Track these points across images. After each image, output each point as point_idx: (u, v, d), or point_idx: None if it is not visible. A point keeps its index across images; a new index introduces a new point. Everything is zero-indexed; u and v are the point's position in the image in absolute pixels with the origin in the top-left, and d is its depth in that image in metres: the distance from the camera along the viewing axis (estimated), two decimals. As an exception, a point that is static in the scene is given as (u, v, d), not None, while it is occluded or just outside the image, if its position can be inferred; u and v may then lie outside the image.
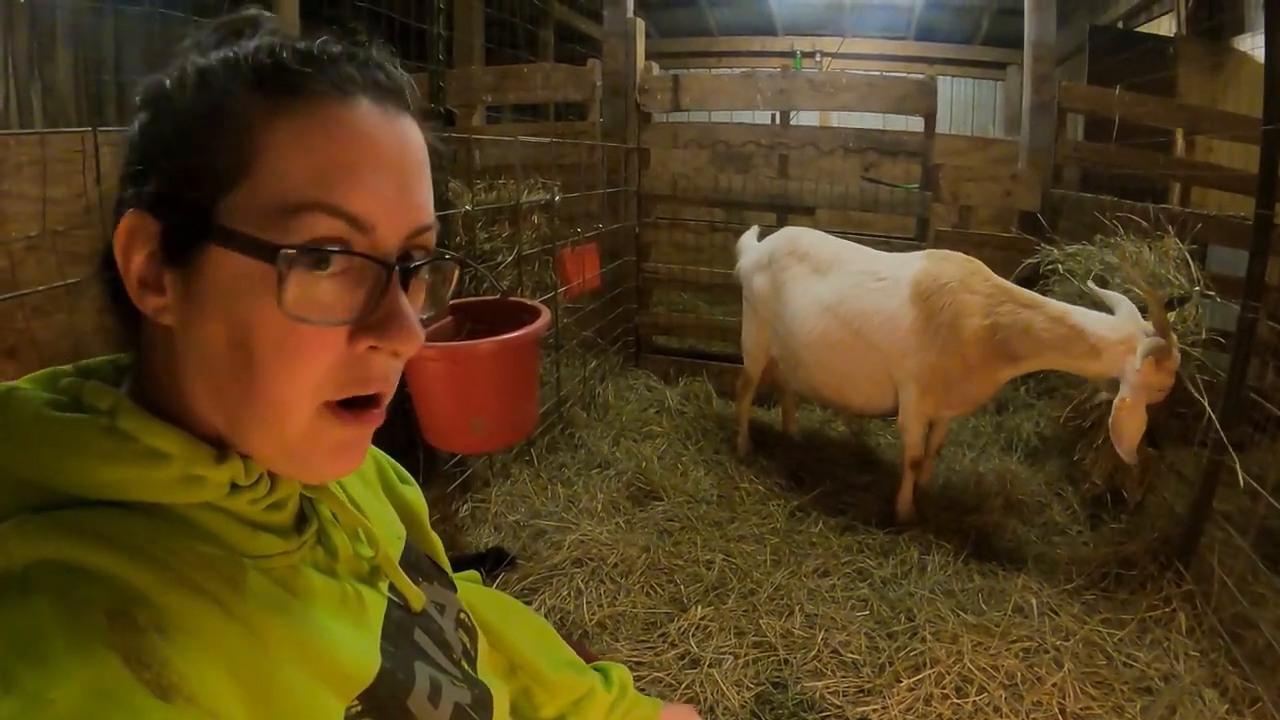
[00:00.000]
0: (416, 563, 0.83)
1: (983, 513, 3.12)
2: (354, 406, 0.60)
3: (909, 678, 2.18)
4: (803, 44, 9.01)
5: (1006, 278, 2.99)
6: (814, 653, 2.31)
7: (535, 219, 3.67)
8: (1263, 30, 2.31)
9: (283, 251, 0.53)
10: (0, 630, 0.45)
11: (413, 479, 0.93)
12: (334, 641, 0.61)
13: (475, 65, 6.33)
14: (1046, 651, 2.29)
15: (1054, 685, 2.13)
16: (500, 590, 2.49)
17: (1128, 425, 2.47)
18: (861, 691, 2.17)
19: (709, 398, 4.39)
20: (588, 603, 2.51)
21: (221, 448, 0.58)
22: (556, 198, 3.62)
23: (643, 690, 1.09)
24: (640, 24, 4.72)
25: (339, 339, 0.57)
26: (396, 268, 0.58)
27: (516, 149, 3.45)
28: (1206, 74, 5.58)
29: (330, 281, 0.55)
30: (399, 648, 0.69)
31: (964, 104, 9.86)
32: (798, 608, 2.51)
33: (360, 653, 0.63)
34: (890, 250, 3.32)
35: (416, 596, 0.75)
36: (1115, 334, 2.56)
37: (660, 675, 2.20)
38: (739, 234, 3.99)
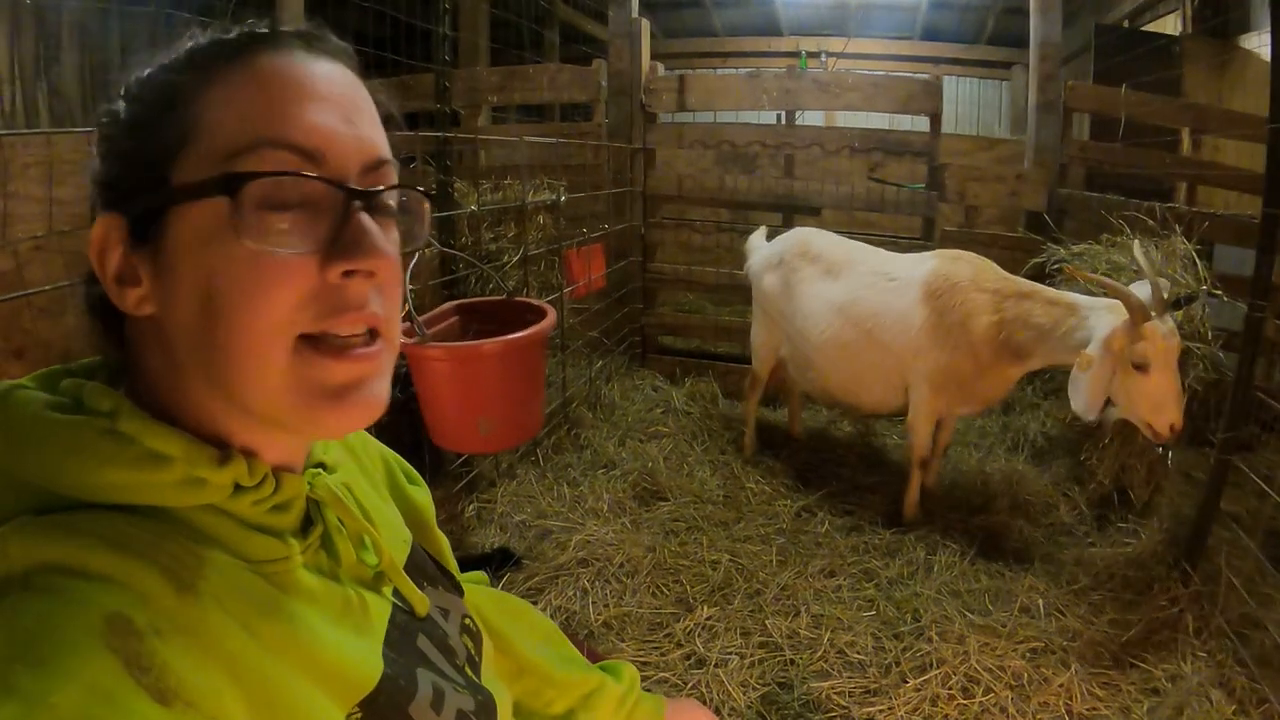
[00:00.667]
0: (422, 567, 0.82)
1: (989, 513, 3.11)
2: (339, 344, 0.59)
3: (915, 678, 2.18)
4: (808, 44, 9.00)
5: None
6: (820, 653, 2.30)
7: (541, 219, 3.67)
8: (1269, 29, 2.30)
9: (232, 178, 0.53)
10: (0, 633, 0.45)
11: (421, 479, 0.93)
12: (335, 647, 0.60)
13: (480, 66, 6.34)
14: (1053, 652, 2.28)
15: (1061, 686, 2.13)
16: (506, 590, 2.50)
17: (1083, 381, 2.46)
18: (867, 692, 2.16)
19: (715, 398, 4.38)
20: (593, 603, 2.51)
21: (224, 449, 0.58)
22: (562, 198, 3.62)
23: (648, 690, 1.10)
24: (645, 25, 4.72)
25: (309, 270, 0.56)
26: (353, 190, 0.58)
27: (522, 149, 3.46)
28: (1212, 73, 5.56)
29: (291, 213, 0.56)
30: (402, 654, 0.68)
31: (969, 104, 9.84)
32: (804, 608, 2.51)
33: (361, 659, 0.63)
34: (897, 250, 3.32)
35: (421, 602, 0.75)
36: (1103, 302, 2.58)
37: (666, 675, 2.20)
38: (745, 234, 3.99)
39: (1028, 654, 2.26)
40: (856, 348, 3.11)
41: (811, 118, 6.82)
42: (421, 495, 0.91)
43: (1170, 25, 6.35)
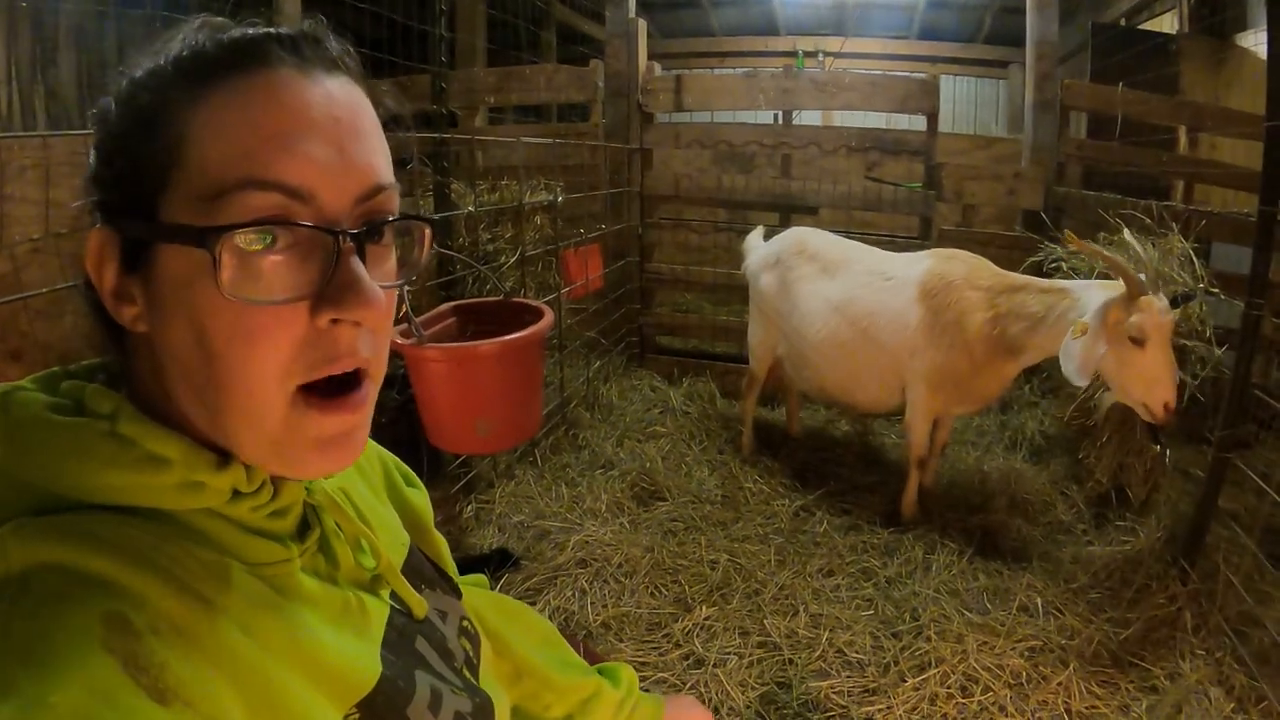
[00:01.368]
0: (419, 569, 0.82)
1: (987, 512, 3.12)
2: (333, 393, 0.58)
3: (914, 677, 2.18)
4: (805, 44, 9.00)
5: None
6: (819, 652, 2.31)
7: (538, 220, 3.67)
8: (1265, 27, 2.30)
9: (209, 233, 0.51)
10: None
11: (418, 481, 0.93)
12: (333, 649, 0.60)
13: (478, 67, 6.34)
14: (1051, 651, 2.28)
15: (1059, 684, 2.13)
16: (505, 591, 2.50)
17: (1075, 348, 2.46)
18: (866, 691, 2.17)
19: (713, 398, 4.38)
20: (592, 603, 2.51)
21: (223, 454, 0.58)
22: (559, 199, 3.62)
23: (646, 691, 1.10)
24: (642, 25, 4.72)
25: (299, 317, 0.54)
26: (344, 234, 0.55)
27: (519, 150, 3.45)
28: (1209, 71, 5.57)
29: (277, 258, 0.53)
30: (400, 656, 0.68)
31: (967, 103, 9.84)
32: (802, 607, 2.51)
33: (359, 660, 0.63)
34: (894, 249, 3.32)
35: (419, 604, 0.75)
36: (1095, 282, 2.60)
37: (665, 675, 2.20)
38: (742, 234, 4.00)
39: (1026, 652, 2.26)
40: (852, 346, 3.12)
41: (809, 117, 6.83)
42: (419, 498, 0.91)
43: (1167, 23, 6.35)
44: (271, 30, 0.57)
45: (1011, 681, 2.15)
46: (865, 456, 3.73)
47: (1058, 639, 2.33)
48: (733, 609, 2.50)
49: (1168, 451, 3.00)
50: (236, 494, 0.58)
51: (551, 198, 3.62)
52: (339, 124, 0.56)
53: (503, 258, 3.39)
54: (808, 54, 8.92)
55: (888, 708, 2.08)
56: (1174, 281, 2.95)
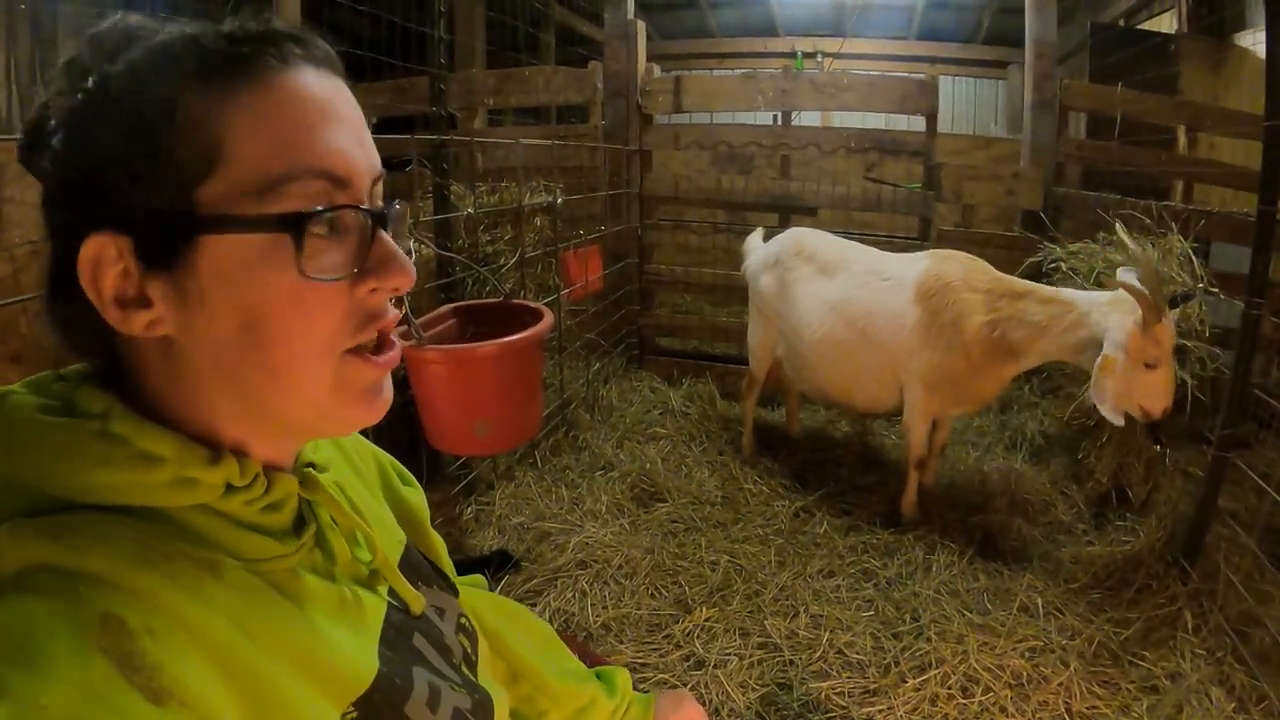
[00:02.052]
0: (416, 566, 0.82)
1: (987, 512, 3.11)
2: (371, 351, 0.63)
3: (914, 678, 2.18)
4: (804, 44, 9.00)
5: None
6: (819, 653, 2.30)
7: (537, 221, 3.68)
8: (1264, 26, 2.30)
9: (297, 218, 0.55)
10: None
11: (415, 480, 0.93)
12: (330, 646, 0.60)
13: (476, 68, 6.35)
14: (1052, 651, 2.28)
15: (1060, 685, 2.13)
16: (505, 593, 2.50)
17: (1109, 384, 2.46)
18: (867, 692, 2.16)
19: (713, 399, 4.38)
20: (592, 605, 2.51)
21: (215, 449, 0.58)
22: (559, 200, 3.62)
23: (645, 693, 1.10)
24: (641, 26, 4.72)
25: (343, 290, 0.59)
26: (380, 214, 0.61)
27: (518, 152, 3.45)
28: (1208, 70, 5.57)
29: (333, 238, 0.58)
30: (397, 652, 0.68)
31: (965, 103, 9.84)
32: (803, 608, 2.50)
33: (357, 657, 0.63)
34: (893, 250, 3.32)
35: (416, 600, 0.75)
36: (1104, 297, 2.59)
37: (665, 677, 2.20)
38: (742, 235, 4.00)
39: (1027, 653, 2.26)
40: (850, 347, 3.12)
41: (808, 118, 6.84)
42: (415, 496, 0.91)
43: (1166, 23, 6.36)
44: (284, 29, 0.60)
45: (1012, 682, 2.15)
46: (865, 457, 3.73)
47: (1058, 639, 2.33)
48: (733, 610, 2.49)
49: (1168, 451, 3.00)
50: (230, 489, 0.58)
51: (551, 199, 3.62)
52: (352, 116, 0.61)
53: (502, 259, 3.39)
54: (806, 55, 8.93)
55: (888, 708, 2.08)
56: (1174, 281, 2.95)
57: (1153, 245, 3.15)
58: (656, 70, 4.89)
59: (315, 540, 0.67)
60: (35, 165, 0.58)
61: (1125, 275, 2.54)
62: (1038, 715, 2.04)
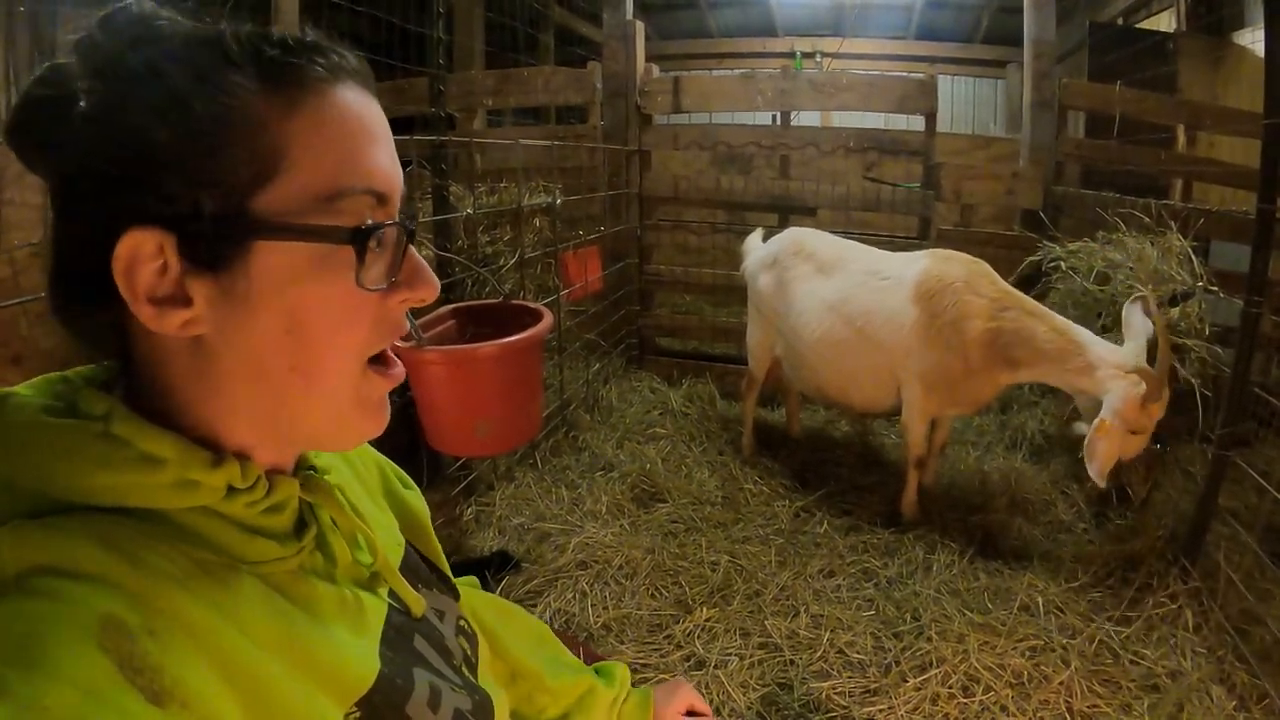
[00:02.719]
0: (416, 569, 0.82)
1: (988, 511, 3.11)
2: (378, 362, 0.65)
3: (915, 677, 2.18)
4: (803, 44, 9.01)
5: (1009, 276, 3.00)
6: (820, 653, 2.30)
7: (537, 222, 3.68)
8: (1263, 25, 2.30)
9: (365, 231, 0.58)
10: None
11: (414, 484, 0.93)
12: (331, 647, 0.60)
13: (475, 69, 6.35)
14: (1053, 650, 2.28)
15: (1061, 684, 2.13)
16: (505, 594, 2.51)
17: (1101, 447, 2.50)
18: (868, 692, 2.16)
19: (712, 399, 4.38)
20: (592, 605, 2.50)
21: (217, 452, 0.58)
22: (558, 201, 3.62)
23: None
24: (640, 26, 4.72)
25: (378, 301, 0.61)
26: (413, 230, 0.64)
27: (517, 152, 3.45)
28: (1207, 69, 5.58)
29: (377, 253, 0.60)
30: (398, 653, 0.69)
31: (965, 102, 9.84)
32: (803, 608, 2.50)
33: (358, 658, 0.63)
34: (893, 250, 3.32)
35: (416, 602, 0.75)
36: (1114, 357, 2.58)
37: (666, 677, 2.20)
38: (741, 235, 4.00)
39: (1028, 652, 2.26)
40: (848, 346, 3.12)
41: (807, 118, 6.84)
42: (416, 500, 0.91)
43: (1165, 22, 6.37)
44: (326, 43, 0.61)
45: (1013, 681, 2.15)
46: (865, 457, 3.73)
47: (1059, 638, 2.33)
48: (733, 610, 2.49)
49: (1168, 450, 3.00)
50: (231, 491, 0.58)
51: (550, 200, 3.62)
52: (389, 135, 0.64)
53: (502, 260, 3.39)
54: (805, 55, 8.94)
55: (889, 708, 2.08)
56: (1173, 280, 2.95)
57: (1152, 243, 3.15)
58: (655, 70, 4.90)
59: (316, 543, 0.67)
60: (46, 150, 0.55)
61: (1137, 351, 2.58)
62: (1039, 714, 2.04)
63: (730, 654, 2.30)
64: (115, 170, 0.53)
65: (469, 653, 0.81)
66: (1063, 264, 3.49)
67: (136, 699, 0.45)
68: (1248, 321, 2.42)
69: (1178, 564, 2.59)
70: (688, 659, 2.29)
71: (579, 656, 1.10)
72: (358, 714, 0.60)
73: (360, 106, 0.60)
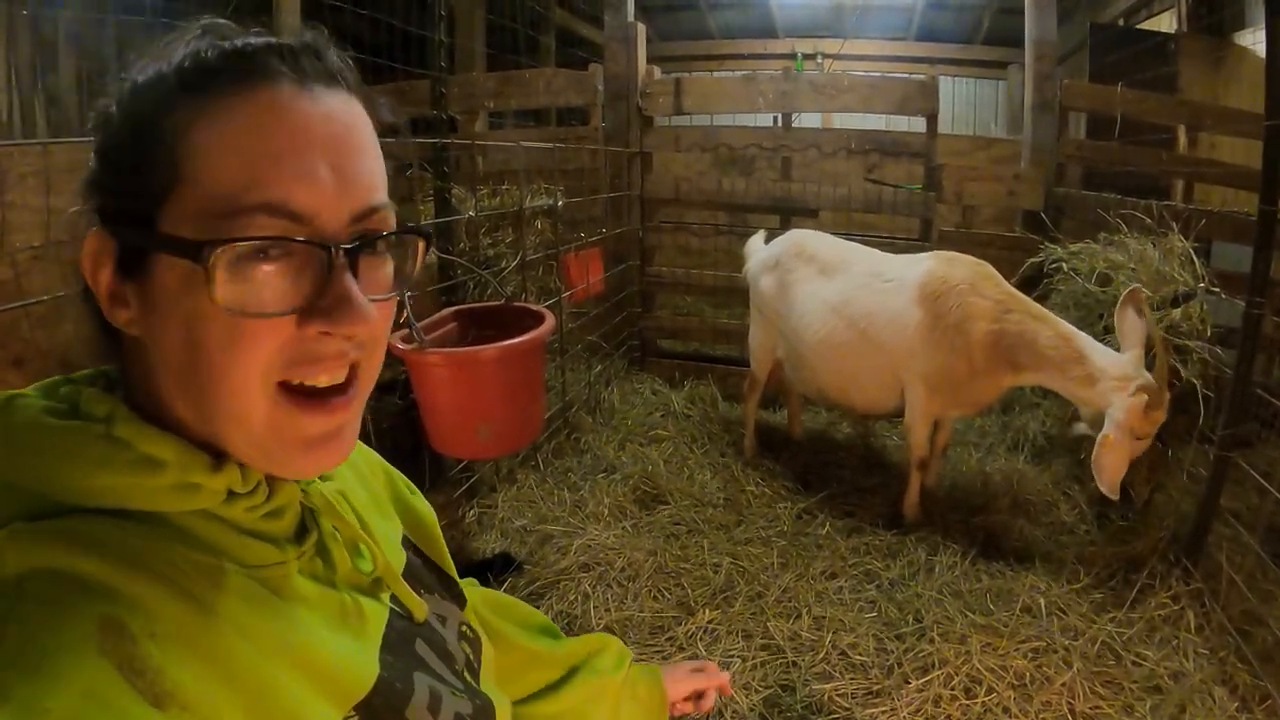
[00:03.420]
0: (418, 574, 0.82)
1: (990, 513, 3.11)
2: (316, 394, 0.59)
3: (917, 679, 2.18)
4: (804, 46, 9.02)
5: (1010, 277, 3.00)
6: (822, 655, 2.30)
7: (538, 224, 3.68)
8: (1263, 25, 2.30)
9: (205, 246, 0.52)
10: None
11: (419, 491, 0.93)
12: (330, 650, 0.60)
13: (477, 71, 6.35)
14: (1055, 651, 2.28)
15: (1063, 685, 2.13)
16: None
17: (1108, 461, 2.49)
18: (870, 693, 2.16)
19: (714, 401, 4.38)
20: (595, 607, 2.51)
21: (218, 455, 0.58)
22: (559, 203, 3.63)
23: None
24: (641, 28, 4.73)
25: (287, 326, 0.56)
26: (338, 249, 0.56)
27: (519, 155, 3.46)
28: (1208, 70, 5.57)
29: (270, 270, 0.54)
30: (399, 658, 0.68)
31: (966, 104, 9.85)
32: (805, 610, 2.50)
33: (356, 662, 0.63)
34: (895, 251, 3.32)
35: (419, 607, 0.75)
36: (1115, 369, 2.58)
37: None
38: (742, 237, 4.00)
39: (1030, 653, 2.26)
40: (850, 348, 3.12)
41: (808, 120, 6.83)
42: (424, 506, 0.91)
43: (1165, 23, 6.36)
44: (273, 41, 0.57)
45: (1015, 682, 2.15)
46: (867, 459, 3.72)
47: (1061, 639, 2.32)
48: (736, 612, 2.49)
49: (1170, 451, 3.00)
50: (232, 495, 0.58)
51: (552, 202, 3.62)
52: (338, 142, 0.57)
53: (503, 262, 3.39)
54: (806, 56, 8.95)
55: (891, 710, 2.08)
56: (1175, 281, 2.95)
57: (1154, 244, 3.15)
58: (657, 72, 4.89)
59: (316, 548, 0.66)
60: None
61: (1136, 361, 2.58)
62: (1041, 716, 2.04)
63: (733, 656, 2.30)
64: (87, 177, 0.58)
65: (471, 657, 0.81)
66: (1064, 265, 3.49)
67: (137, 701, 0.45)
68: (1249, 322, 2.42)
69: (1180, 565, 2.58)
70: (690, 660, 2.29)
71: None
72: (356, 718, 0.60)
73: (289, 110, 0.55)
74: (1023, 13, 4.66)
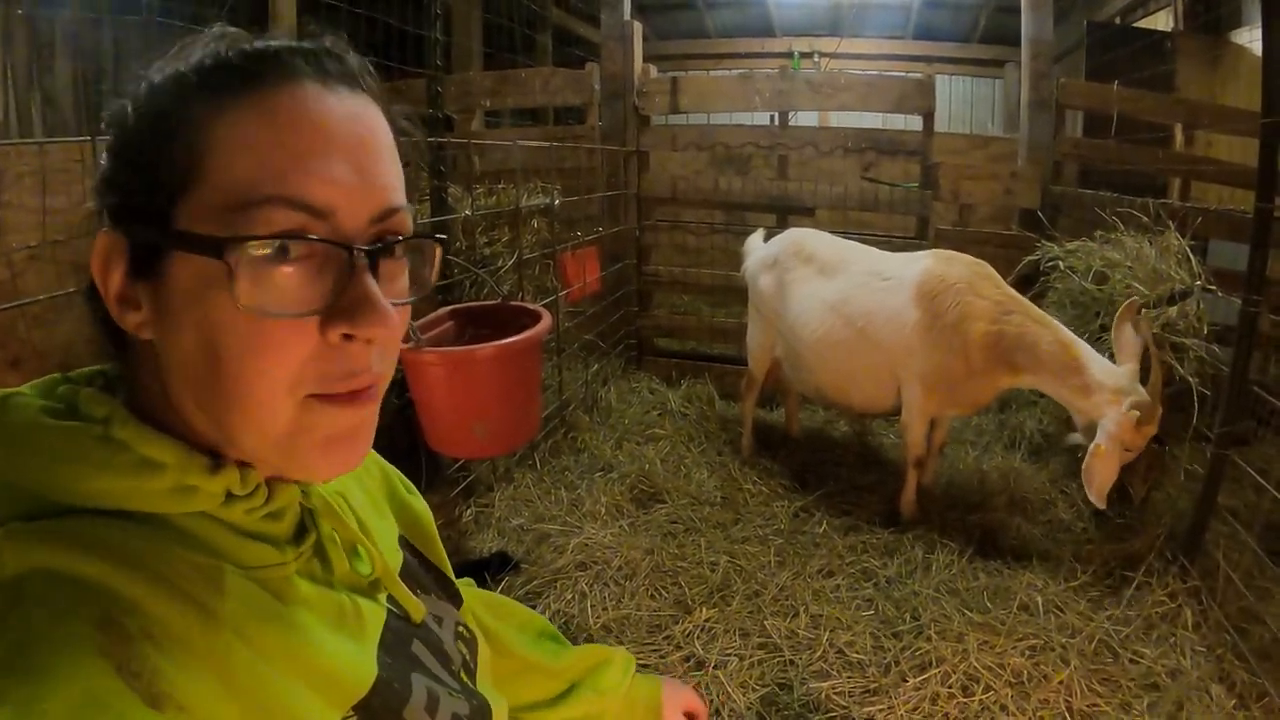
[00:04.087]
0: (415, 575, 0.82)
1: (987, 511, 3.12)
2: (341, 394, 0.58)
3: (915, 677, 2.18)
4: (800, 45, 9.02)
5: (1007, 275, 3.00)
6: (819, 653, 2.30)
7: (535, 223, 3.68)
8: (1260, 24, 2.31)
9: (229, 244, 0.51)
10: None
11: (416, 490, 0.93)
12: (328, 652, 0.60)
13: (473, 70, 6.35)
14: (1052, 649, 2.28)
15: (1060, 683, 2.13)
16: (504, 595, 2.50)
17: (1099, 471, 2.51)
18: (867, 691, 2.16)
19: (711, 400, 4.38)
20: (592, 606, 2.50)
21: (216, 457, 0.57)
22: (556, 202, 3.62)
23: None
24: (638, 27, 4.72)
25: (310, 330, 0.55)
26: (359, 250, 0.56)
27: (516, 154, 3.45)
28: (1204, 68, 5.58)
29: (291, 271, 0.54)
30: (396, 658, 0.68)
31: (962, 102, 9.86)
32: (803, 608, 2.50)
33: (355, 663, 0.63)
34: (891, 250, 3.32)
35: (416, 608, 0.75)
36: (1110, 381, 2.59)
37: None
38: (740, 236, 4.00)
39: (1027, 651, 2.26)
40: (848, 346, 3.12)
41: (805, 118, 6.83)
42: (421, 505, 0.91)
43: (1162, 21, 6.37)
44: (295, 44, 0.57)
45: (1013, 680, 2.15)
46: (864, 457, 3.73)
47: (1058, 637, 2.33)
48: (733, 610, 2.49)
49: (1167, 449, 3.01)
50: (230, 497, 0.58)
51: (548, 201, 3.62)
52: (360, 143, 0.57)
53: (500, 261, 3.39)
54: (803, 55, 8.95)
55: (889, 708, 2.08)
56: (1171, 279, 2.95)
57: (1150, 243, 3.15)
58: (653, 71, 4.90)
59: (314, 550, 0.66)
60: None
61: (1132, 375, 2.60)
62: (1038, 713, 2.04)
63: (730, 654, 2.30)
64: (106, 177, 0.57)
65: (468, 658, 0.81)
66: (1061, 263, 3.49)
67: (135, 702, 0.45)
68: (1246, 320, 2.42)
69: (1177, 562, 2.59)
70: (687, 659, 2.29)
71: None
72: (354, 718, 0.60)
73: (309, 109, 0.55)
74: (1019, 11, 4.67)
